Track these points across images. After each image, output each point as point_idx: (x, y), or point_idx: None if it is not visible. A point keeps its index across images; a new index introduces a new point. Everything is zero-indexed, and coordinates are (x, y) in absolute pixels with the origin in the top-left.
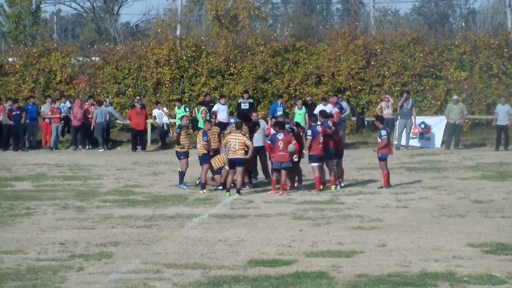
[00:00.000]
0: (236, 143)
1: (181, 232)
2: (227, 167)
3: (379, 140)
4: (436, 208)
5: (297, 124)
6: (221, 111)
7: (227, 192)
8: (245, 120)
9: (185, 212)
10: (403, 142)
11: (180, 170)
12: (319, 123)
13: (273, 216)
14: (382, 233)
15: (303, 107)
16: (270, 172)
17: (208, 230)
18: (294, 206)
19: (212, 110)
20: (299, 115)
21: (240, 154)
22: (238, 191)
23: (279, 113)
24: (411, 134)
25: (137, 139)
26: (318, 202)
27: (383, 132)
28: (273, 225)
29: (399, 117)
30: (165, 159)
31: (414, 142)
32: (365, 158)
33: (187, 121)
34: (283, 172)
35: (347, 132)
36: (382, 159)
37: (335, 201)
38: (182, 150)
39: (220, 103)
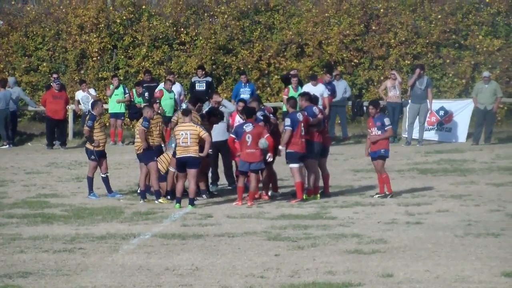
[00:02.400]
0: (187, 136)
1: (115, 258)
2: (172, 169)
3: (378, 132)
4: (461, 224)
5: (274, 111)
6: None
7: (177, 204)
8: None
9: (119, 231)
10: (415, 134)
11: (88, 175)
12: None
13: (239, 235)
14: (387, 259)
15: (299, 86)
16: (235, 176)
17: (151, 255)
18: (268, 223)
19: (157, 89)
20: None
21: (193, 152)
22: (192, 202)
23: (244, 95)
24: (426, 124)
25: (54, 132)
26: (300, 217)
27: (386, 120)
28: (239, 248)
29: (409, 101)
30: None
31: (431, 135)
32: (363, 157)
33: (102, 107)
34: (253, 176)
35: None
36: (385, 157)
37: (323, 215)
38: (96, 149)
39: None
